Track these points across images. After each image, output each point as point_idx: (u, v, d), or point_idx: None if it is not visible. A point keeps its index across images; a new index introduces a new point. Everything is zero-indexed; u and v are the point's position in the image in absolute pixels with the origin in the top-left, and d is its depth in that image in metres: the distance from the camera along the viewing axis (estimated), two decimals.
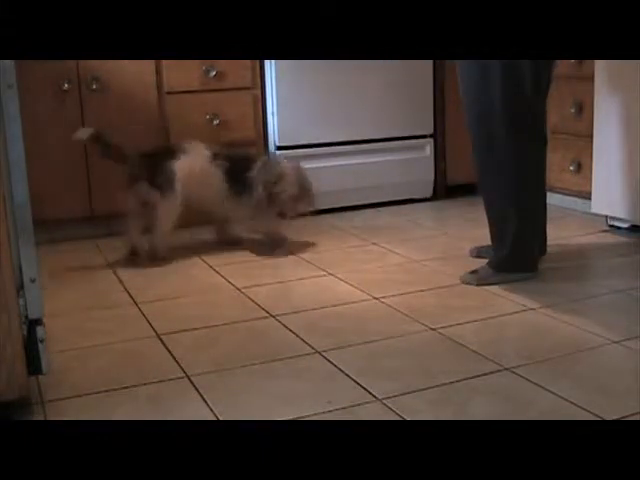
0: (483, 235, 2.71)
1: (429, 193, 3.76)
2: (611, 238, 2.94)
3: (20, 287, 1.58)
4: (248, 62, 3.32)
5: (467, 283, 2.42)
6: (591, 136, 2.97)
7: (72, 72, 3.03)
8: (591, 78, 2.91)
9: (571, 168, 3.18)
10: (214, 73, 3.24)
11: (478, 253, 2.68)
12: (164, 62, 3.17)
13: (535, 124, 2.37)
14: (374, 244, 2.97)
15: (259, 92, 3.37)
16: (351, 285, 2.47)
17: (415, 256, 2.78)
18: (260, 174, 2.82)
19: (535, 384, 1.70)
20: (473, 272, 2.45)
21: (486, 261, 2.49)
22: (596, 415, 1.54)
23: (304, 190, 2.85)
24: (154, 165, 2.72)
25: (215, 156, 2.81)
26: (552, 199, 3.20)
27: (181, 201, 2.74)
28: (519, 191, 2.36)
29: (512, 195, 2.36)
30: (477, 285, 2.39)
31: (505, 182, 2.36)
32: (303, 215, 2.89)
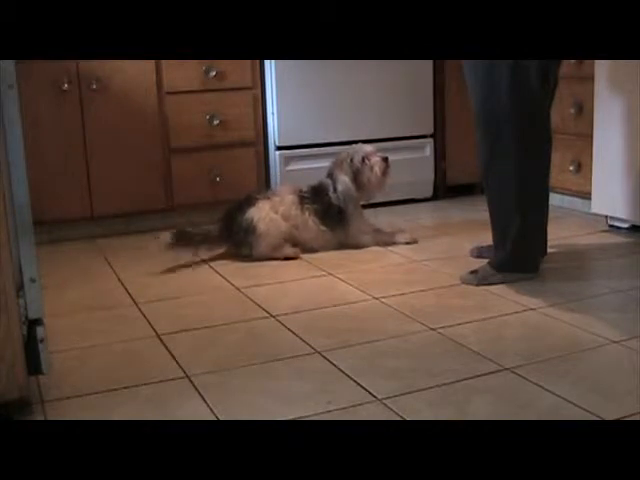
0: (483, 235, 2.72)
1: (429, 193, 3.76)
2: (611, 238, 2.94)
3: (20, 287, 1.58)
4: (248, 62, 3.32)
5: (467, 283, 2.41)
6: (591, 136, 2.97)
7: (72, 72, 3.03)
8: (591, 78, 2.91)
9: (571, 168, 3.18)
10: (214, 73, 3.24)
11: (479, 253, 2.68)
12: (164, 62, 3.17)
13: (541, 124, 2.37)
14: None
15: (259, 92, 3.37)
16: (351, 285, 2.47)
17: (415, 256, 2.78)
18: (338, 169, 2.90)
19: (535, 384, 1.70)
20: (473, 272, 2.45)
21: (486, 261, 2.49)
22: (596, 415, 1.54)
23: (387, 166, 2.92)
24: (229, 224, 2.80)
25: (302, 199, 2.86)
26: (552, 199, 3.16)
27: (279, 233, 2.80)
28: (523, 191, 2.36)
29: (515, 195, 2.36)
30: (477, 285, 2.39)
31: (509, 182, 2.36)
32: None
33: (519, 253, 2.41)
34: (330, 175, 2.93)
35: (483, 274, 2.42)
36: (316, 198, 2.88)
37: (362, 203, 2.99)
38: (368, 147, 2.95)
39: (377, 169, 2.89)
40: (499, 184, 2.39)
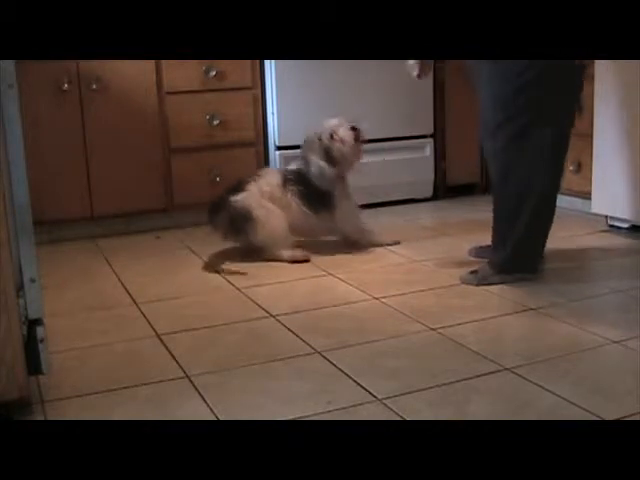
0: (483, 235, 2.72)
1: (429, 193, 3.76)
2: (611, 238, 2.94)
3: (20, 287, 1.58)
4: (248, 62, 3.32)
5: (467, 283, 2.41)
6: (591, 136, 2.97)
7: (72, 72, 3.03)
8: (591, 78, 2.91)
9: (571, 168, 3.18)
10: (214, 73, 3.24)
11: (477, 253, 2.68)
12: (164, 62, 3.17)
13: (563, 125, 2.40)
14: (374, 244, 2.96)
15: (259, 92, 3.37)
16: (351, 285, 2.47)
17: (415, 256, 2.78)
18: (309, 151, 2.82)
19: (535, 384, 1.70)
20: (473, 272, 2.45)
21: (486, 261, 2.49)
22: (596, 415, 1.54)
23: (357, 133, 2.81)
24: (219, 209, 2.78)
25: (286, 181, 2.80)
26: None
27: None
28: (531, 191, 2.37)
29: (523, 195, 2.37)
30: (477, 285, 2.39)
31: (517, 182, 2.37)
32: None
33: (520, 254, 2.41)
34: (304, 158, 2.85)
35: (483, 274, 2.42)
36: (299, 180, 2.81)
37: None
38: (334, 121, 2.85)
39: (347, 139, 2.79)
40: (506, 184, 2.39)
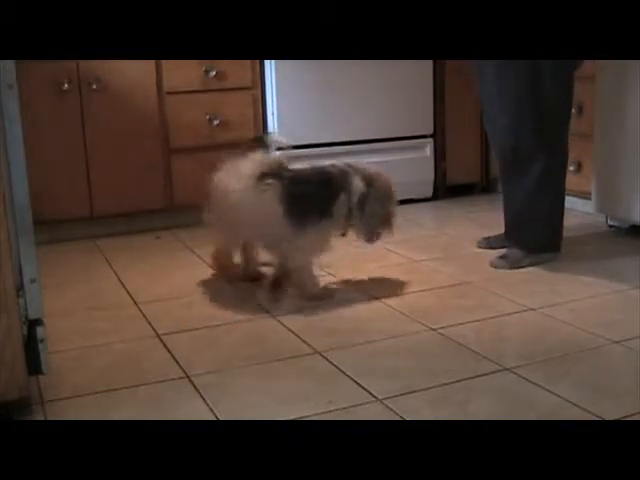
0: (483, 234, 2.72)
1: (429, 193, 3.75)
2: (611, 238, 2.94)
3: (20, 287, 1.58)
4: (248, 62, 3.32)
5: (500, 267, 2.54)
6: (591, 136, 2.97)
7: (72, 72, 3.03)
8: (591, 78, 2.91)
9: (571, 168, 3.17)
10: (214, 73, 3.24)
11: (488, 244, 2.78)
12: (164, 62, 3.17)
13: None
14: None
15: (259, 92, 3.37)
16: (351, 285, 2.47)
17: (415, 256, 2.78)
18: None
19: (535, 384, 1.70)
20: (502, 257, 2.57)
21: (504, 249, 2.62)
22: (596, 415, 1.54)
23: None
24: None
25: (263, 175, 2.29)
26: None
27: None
28: (560, 172, 2.56)
29: (552, 177, 2.53)
30: (510, 269, 2.51)
31: (551, 164, 2.52)
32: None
33: (547, 233, 2.56)
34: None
35: (514, 257, 2.55)
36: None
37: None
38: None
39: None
40: (542, 167, 2.50)
